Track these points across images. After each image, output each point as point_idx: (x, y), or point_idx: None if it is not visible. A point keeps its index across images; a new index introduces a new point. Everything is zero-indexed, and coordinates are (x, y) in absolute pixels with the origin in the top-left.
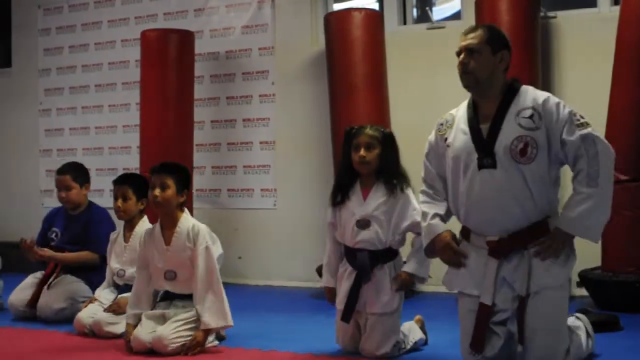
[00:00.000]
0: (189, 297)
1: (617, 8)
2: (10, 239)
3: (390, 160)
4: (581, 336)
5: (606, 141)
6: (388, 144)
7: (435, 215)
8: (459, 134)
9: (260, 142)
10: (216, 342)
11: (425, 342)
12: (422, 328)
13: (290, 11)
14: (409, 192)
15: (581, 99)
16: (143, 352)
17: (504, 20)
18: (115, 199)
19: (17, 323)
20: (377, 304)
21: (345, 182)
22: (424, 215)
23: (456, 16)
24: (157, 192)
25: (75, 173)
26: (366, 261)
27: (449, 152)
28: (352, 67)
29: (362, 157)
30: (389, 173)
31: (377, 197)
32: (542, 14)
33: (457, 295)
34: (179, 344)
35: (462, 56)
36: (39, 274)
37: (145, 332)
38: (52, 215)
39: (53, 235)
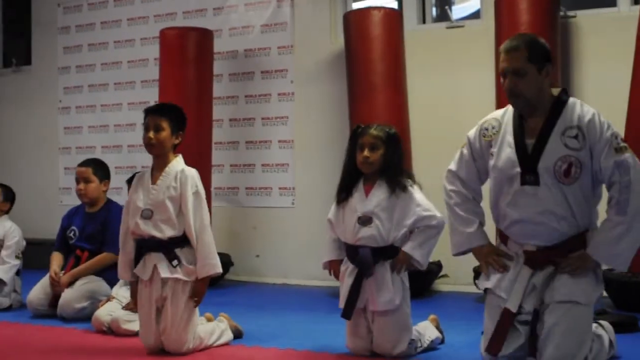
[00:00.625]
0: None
1: (637, 7)
2: (29, 236)
3: (393, 160)
4: (602, 345)
5: None
6: (392, 144)
7: (480, 225)
8: (505, 146)
9: (279, 141)
10: (230, 338)
11: (442, 341)
12: (438, 327)
13: (310, 10)
14: (412, 189)
15: (600, 98)
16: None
17: (523, 20)
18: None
19: (35, 320)
20: (379, 301)
21: (349, 180)
22: (465, 220)
23: (475, 15)
24: (152, 134)
25: (96, 167)
26: (368, 256)
27: (492, 161)
28: (371, 66)
29: (366, 158)
30: (392, 172)
31: (379, 194)
32: (561, 13)
33: (486, 291)
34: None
35: (507, 79)
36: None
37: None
38: (71, 214)
39: (71, 234)
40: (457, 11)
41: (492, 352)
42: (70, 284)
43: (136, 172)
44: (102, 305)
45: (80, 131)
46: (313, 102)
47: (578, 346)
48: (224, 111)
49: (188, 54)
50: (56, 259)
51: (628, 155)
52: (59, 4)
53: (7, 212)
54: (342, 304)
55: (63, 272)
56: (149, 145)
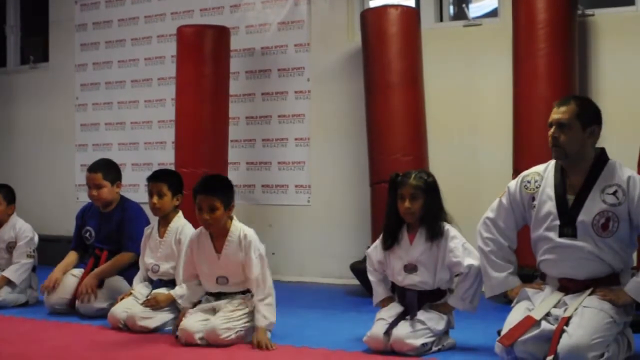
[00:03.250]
0: (237, 293)
1: None
2: (45, 232)
3: (433, 208)
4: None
5: None
6: (431, 192)
7: (514, 270)
8: (546, 199)
9: (295, 139)
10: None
11: (454, 347)
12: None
13: (327, 8)
14: (449, 231)
15: (619, 97)
16: (192, 345)
17: (540, 18)
18: (151, 195)
19: (52, 317)
20: (403, 342)
21: (393, 227)
22: (500, 267)
23: (493, 13)
24: (207, 215)
25: (106, 171)
26: (414, 300)
27: (534, 213)
28: (388, 64)
29: (408, 209)
30: (432, 220)
31: (422, 242)
32: (579, 11)
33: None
34: (231, 334)
35: (552, 129)
36: (76, 271)
37: (194, 321)
38: (84, 212)
39: (87, 235)
40: (474, 9)
41: (504, 343)
42: (100, 284)
43: (157, 170)
44: (120, 300)
45: (97, 128)
46: (329, 100)
47: (592, 339)
48: (240, 109)
49: (205, 52)
50: (69, 259)
51: None
52: (77, 1)
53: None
54: (381, 314)
55: (81, 270)
56: (205, 224)
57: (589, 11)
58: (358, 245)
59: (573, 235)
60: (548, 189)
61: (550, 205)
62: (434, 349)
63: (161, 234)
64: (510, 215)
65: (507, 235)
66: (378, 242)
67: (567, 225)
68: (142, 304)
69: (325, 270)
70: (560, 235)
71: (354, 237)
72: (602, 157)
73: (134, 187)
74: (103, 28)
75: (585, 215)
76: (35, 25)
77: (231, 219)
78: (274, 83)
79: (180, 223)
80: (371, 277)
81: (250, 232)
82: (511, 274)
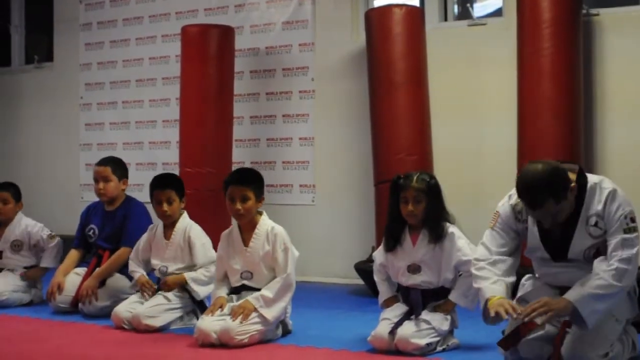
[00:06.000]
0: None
1: None
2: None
3: (436, 210)
4: (624, 345)
5: None
6: (434, 194)
7: (499, 281)
8: (533, 237)
9: (300, 138)
10: (279, 333)
11: (458, 346)
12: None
13: (331, 7)
14: (453, 233)
15: (624, 97)
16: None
17: (545, 18)
18: (159, 203)
19: (56, 316)
20: (408, 341)
21: (395, 229)
22: (484, 277)
23: (497, 13)
24: (239, 206)
25: (115, 166)
26: (419, 299)
27: (528, 238)
28: (392, 64)
29: (411, 211)
30: (434, 221)
31: (425, 244)
32: (584, 11)
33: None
34: (245, 337)
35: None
36: (80, 270)
37: (210, 321)
38: (89, 210)
39: (90, 232)
40: (479, 9)
41: (503, 347)
42: (101, 284)
43: (161, 177)
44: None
45: (102, 128)
46: (334, 99)
47: (595, 338)
48: (244, 108)
49: (209, 51)
50: (70, 260)
51: (635, 235)
52: (81, 1)
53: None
54: (386, 314)
55: (84, 268)
56: (236, 215)
57: (593, 10)
58: (362, 245)
59: (566, 261)
60: (532, 226)
61: (537, 242)
62: (439, 348)
63: (167, 236)
64: (505, 237)
65: (502, 253)
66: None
67: (558, 258)
68: (155, 289)
69: (330, 270)
70: (554, 260)
71: (358, 236)
72: (581, 183)
73: (139, 187)
74: (108, 27)
75: (575, 251)
76: (39, 25)
77: (260, 213)
78: (278, 83)
79: (186, 222)
80: (376, 277)
81: (279, 228)
82: (494, 283)
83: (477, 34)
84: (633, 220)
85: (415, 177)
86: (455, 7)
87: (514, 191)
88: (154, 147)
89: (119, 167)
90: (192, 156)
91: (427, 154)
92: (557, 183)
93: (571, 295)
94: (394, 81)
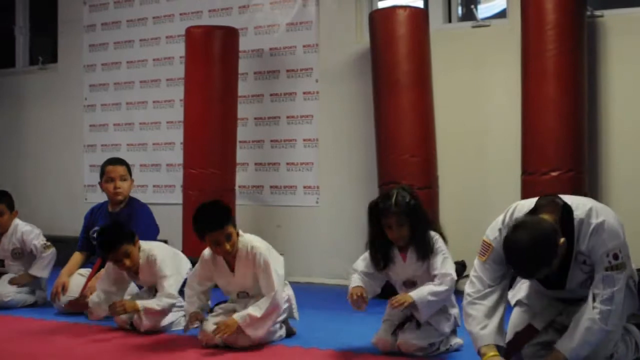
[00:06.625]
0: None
1: None
2: (54, 233)
3: (420, 228)
4: (627, 347)
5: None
6: (415, 214)
7: (485, 325)
8: None
9: (304, 140)
10: (282, 333)
11: (461, 346)
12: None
13: (335, 9)
14: (437, 247)
15: (628, 99)
16: (212, 346)
17: (549, 19)
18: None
19: (60, 317)
20: (412, 343)
21: (383, 250)
22: (479, 321)
23: (501, 14)
24: (227, 246)
25: (128, 166)
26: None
27: None
28: (396, 65)
29: (396, 237)
30: (419, 238)
31: (414, 261)
32: (588, 12)
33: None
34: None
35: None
36: (84, 271)
37: (214, 322)
38: (93, 212)
39: (94, 234)
40: (483, 10)
41: (505, 357)
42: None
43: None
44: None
45: (106, 129)
46: (338, 101)
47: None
48: (249, 110)
49: (213, 52)
50: (74, 261)
51: (616, 272)
52: (85, 2)
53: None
54: (386, 316)
55: (89, 270)
56: (224, 254)
57: (598, 12)
58: (366, 246)
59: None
60: None
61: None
62: (442, 349)
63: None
64: (498, 270)
65: (494, 283)
66: (365, 256)
67: (554, 288)
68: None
69: (334, 271)
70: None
71: (363, 238)
72: (569, 220)
73: (142, 188)
74: (112, 29)
75: (572, 285)
76: (44, 26)
77: (239, 234)
78: (283, 84)
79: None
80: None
81: (257, 246)
82: (486, 329)
83: (481, 35)
84: (616, 257)
85: (393, 201)
86: (460, 8)
87: (500, 221)
88: (158, 148)
89: (129, 168)
90: (196, 157)
91: (431, 155)
92: (546, 252)
93: (563, 348)
94: (398, 82)
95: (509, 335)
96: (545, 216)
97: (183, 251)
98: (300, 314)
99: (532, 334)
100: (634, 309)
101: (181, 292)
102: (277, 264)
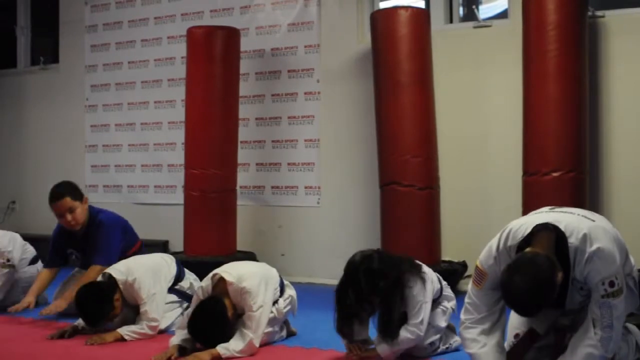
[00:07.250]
0: None
1: None
2: None
3: (394, 306)
4: (628, 347)
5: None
6: (388, 294)
7: (484, 345)
8: None
9: (305, 140)
10: (283, 334)
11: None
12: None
13: (336, 9)
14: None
15: (629, 100)
16: None
17: (551, 20)
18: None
19: (61, 318)
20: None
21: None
22: (478, 342)
23: (503, 15)
24: (231, 312)
25: (70, 191)
26: None
27: None
28: (398, 66)
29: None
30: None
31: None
32: (589, 13)
33: None
34: None
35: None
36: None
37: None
38: (62, 234)
39: (73, 257)
40: (484, 11)
41: None
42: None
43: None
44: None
45: (107, 129)
46: (339, 101)
47: None
48: (250, 110)
49: (215, 53)
50: (41, 280)
51: (612, 299)
52: (87, 3)
53: None
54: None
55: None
56: None
57: (599, 12)
58: (368, 246)
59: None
60: None
61: None
62: (442, 347)
63: None
64: (494, 296)
65: (489, 309)
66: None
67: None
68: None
69: (335, 272)
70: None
71: (364, 238)
72: (564, 246)
73: (144, 188)
74: (113, 29)
75: (570, 305)
76: (45, 27)
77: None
78: (284, 84)
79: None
80: None
81: (246, 285)
82: (484, 347)
83: (483, 35)
84: (612, 284)
85: (361, 285)
86: (461, 9)
87: (495, 248)
88: (159, 148)
89: (73, 190)
90: (197, 157)
91: (432, 155)
92: (546, 294)
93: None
94: (399, 83)
95: (509, 336)
96: (540, 249)
97: (184, 251)
98: (301, 314)
99: (534, 338)
100: (634, 308)
101: (172, 289)
102: (265, 304)
